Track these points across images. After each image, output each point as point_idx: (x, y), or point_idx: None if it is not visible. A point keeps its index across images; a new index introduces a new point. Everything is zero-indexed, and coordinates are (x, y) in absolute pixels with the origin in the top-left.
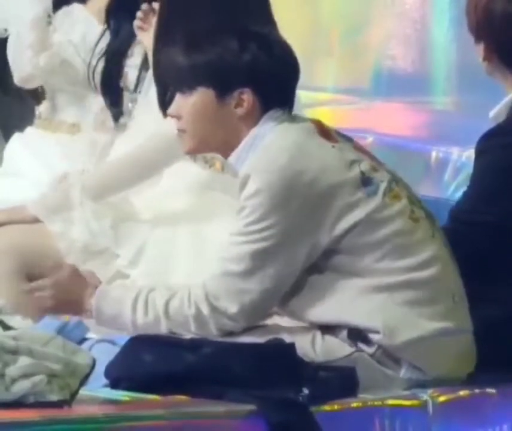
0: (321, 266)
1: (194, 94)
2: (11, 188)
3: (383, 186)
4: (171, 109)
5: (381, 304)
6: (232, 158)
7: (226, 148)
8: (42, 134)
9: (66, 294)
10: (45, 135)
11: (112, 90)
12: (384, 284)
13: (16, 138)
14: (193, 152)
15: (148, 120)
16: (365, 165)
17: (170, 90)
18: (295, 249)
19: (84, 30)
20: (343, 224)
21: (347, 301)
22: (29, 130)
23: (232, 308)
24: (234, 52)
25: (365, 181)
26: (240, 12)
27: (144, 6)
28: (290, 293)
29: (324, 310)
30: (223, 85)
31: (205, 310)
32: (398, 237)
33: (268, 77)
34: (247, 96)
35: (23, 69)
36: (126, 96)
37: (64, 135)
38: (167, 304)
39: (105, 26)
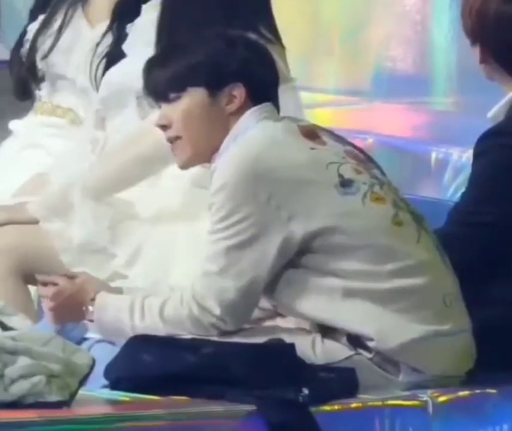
0: (301, 264)
1: (184, 97)
2: (8, 177)
3: (363, 189)
4: (158, 120)
5: (370, 311)
6: (216, 158)
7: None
8: (39, 118)
9: (66, 306)
10: (42, 119)
11: None
12: (368, 289)
13: (12, 125)
14: (189, 164)
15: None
16: (345, 168)
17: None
18: (266, 243)
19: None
20: (316, 221)
21: (335, 302)
22: (26, 117)
23: (215, 309)
24: (224, 50)
25: (344, 182)
26: (230, 14)
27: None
28: (277, 290)
29: (314, 307)
30: (215, 82)
31: (195, 310)
32: (379, 240)
33: (256, 75)
34: (239, 91)
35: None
36: None
37: (60, 119)
38: (162, 309)
39: (108, 27)
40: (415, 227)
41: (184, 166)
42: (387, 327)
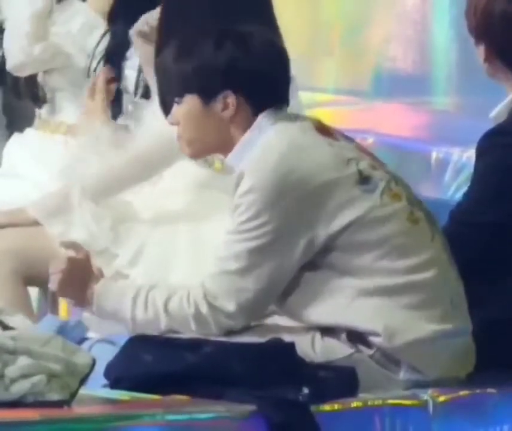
0: (318, 263)
1: (184, 102)
2: (9, 189)
3: (381, 185)
4: (169, 118)
5: (380, 307)
6: (229, 158)
7: (225, 148)
8: (41, 135)
9: (72, 277)
10: (44, 136)
11: None
12: (382, 285)
13: (15, 139)
14: (194, 157)
15: (154, 123)
16: (363, 164)
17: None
18: (290, 246)
19: (83, 21)
20: (339, 221)
21: (346, 303)
22: (28, 131)
23: (230, 307)
24: (210, 55)
25: (363, 179)
26: (231, 14)
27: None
28: (287, 290)
29: (322, 311)
30: (206, 91)
31: (204, 309)
32: (396, 237)
33: (250, 76)
34: (230, 99)
35: (16, 56)
36: (126, 98)
37: (63, 136)
38: (166, 303)
39: (106, 28)
40: (428, 226)
41: (190, 157)
42: (396, 324)
